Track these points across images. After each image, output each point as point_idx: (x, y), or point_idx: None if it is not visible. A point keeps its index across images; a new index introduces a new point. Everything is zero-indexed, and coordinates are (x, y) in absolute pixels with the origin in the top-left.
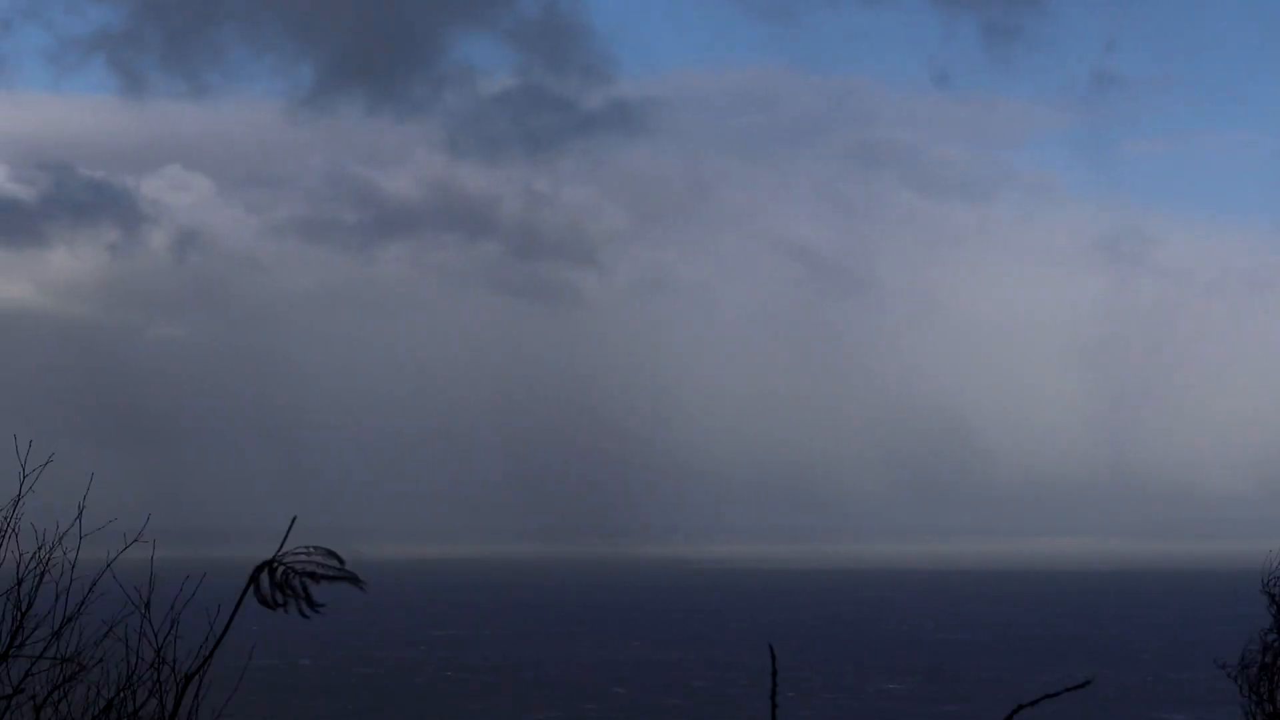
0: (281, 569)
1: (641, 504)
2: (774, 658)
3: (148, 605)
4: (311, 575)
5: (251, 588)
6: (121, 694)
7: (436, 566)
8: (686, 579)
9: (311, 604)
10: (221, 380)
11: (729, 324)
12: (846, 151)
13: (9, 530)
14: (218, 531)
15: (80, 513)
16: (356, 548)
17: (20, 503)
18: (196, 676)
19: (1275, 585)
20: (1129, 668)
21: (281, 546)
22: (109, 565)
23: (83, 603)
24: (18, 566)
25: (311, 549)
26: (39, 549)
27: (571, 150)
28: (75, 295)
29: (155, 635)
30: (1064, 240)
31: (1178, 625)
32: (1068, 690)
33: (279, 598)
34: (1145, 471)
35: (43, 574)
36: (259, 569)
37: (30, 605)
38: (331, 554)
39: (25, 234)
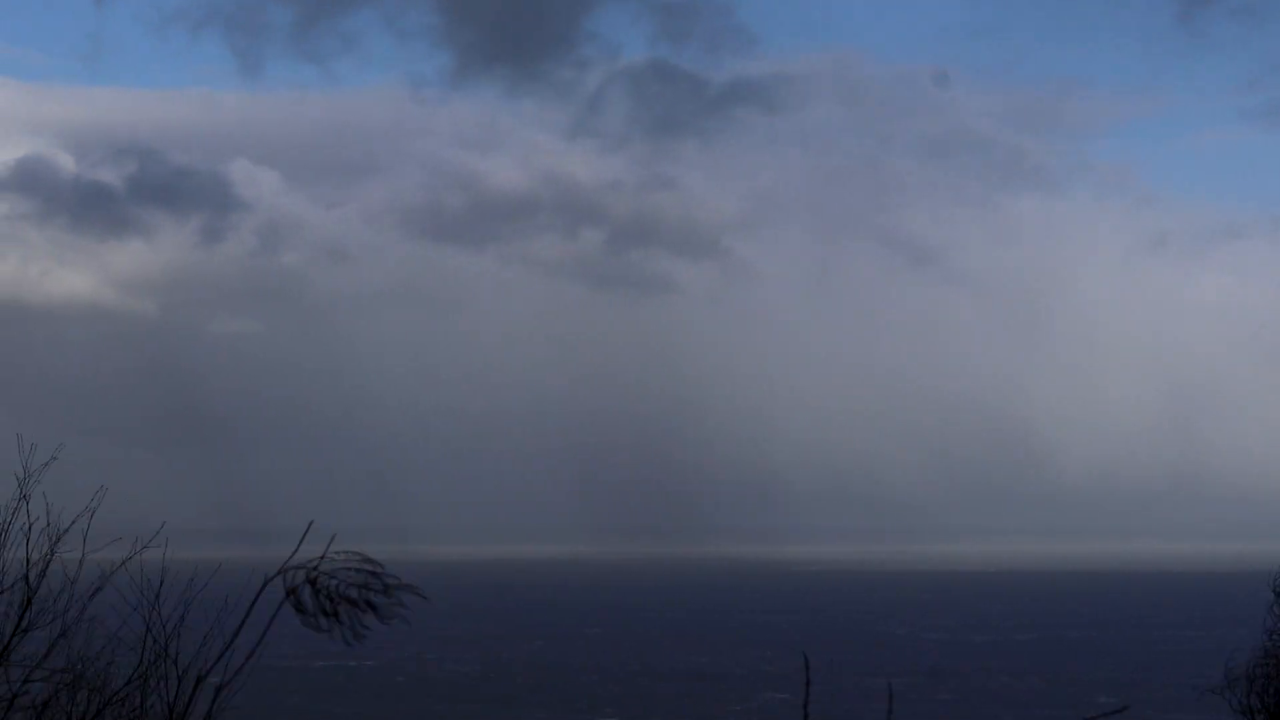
0: (327, 580)
1: (726, 505)
2: (807, 666)
3: (156, 595)
4: (365, 603)
5: (289, 601)
6: (121, 694)
7: (529, 566)
8: (790, 580)
9: (381, 617)
10: (294, 376)
11: (818, 320)
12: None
13: (4, 532)
14: (284, 531)
15: (91, 514)
16: (425, 548)
17: (22, 504)
18: (206, 677)
19: None
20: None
21: (296, 550)
22: (123, 564)
23: (84, 607)
24: (26, 566)
25: (349, 554)
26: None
27: (694, 134)
28: (158, 287)
29: (164, 635)
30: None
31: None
32: (1104, 716)
33: (324, 623)
34: (1211, 474)
35: (43, 574)
36: (284, 574)
37: (27, 607)
38: (368, 560)
39: (110, 222)
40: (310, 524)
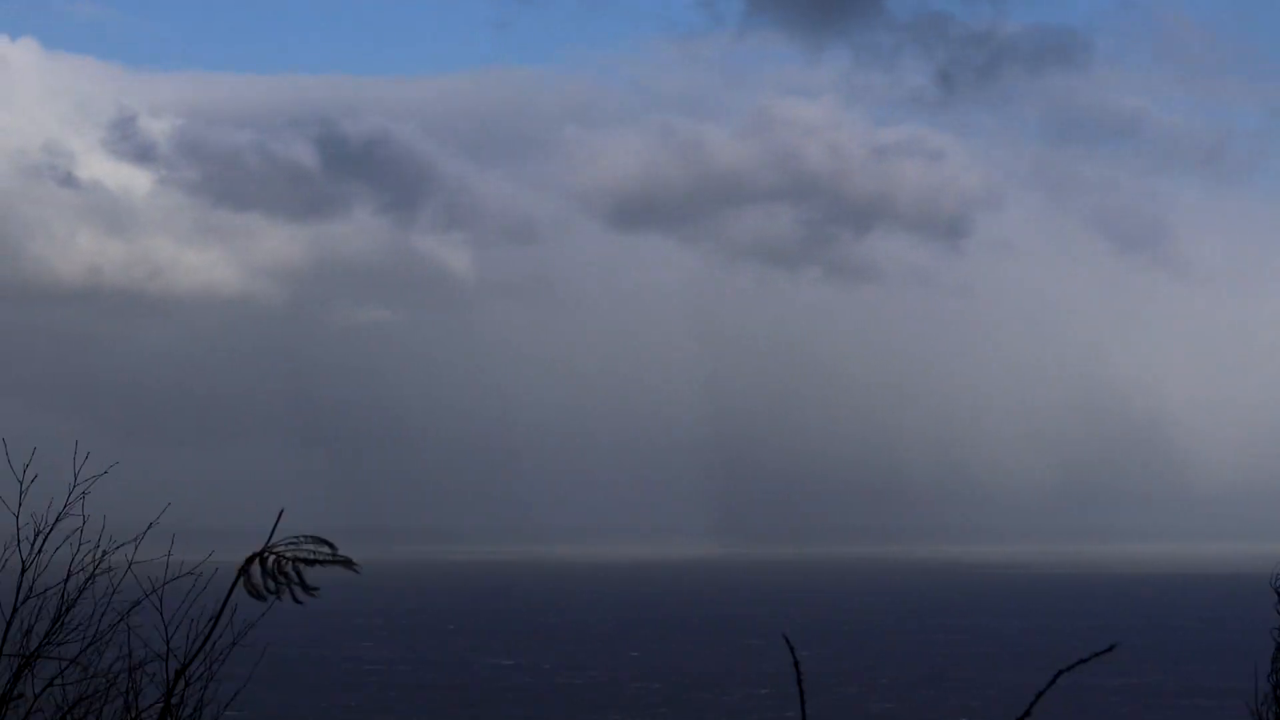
0: (272, 557)
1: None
2: (792, 649)
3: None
4: (304, 560)
5: (241, 579)
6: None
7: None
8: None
9: (306, 588)
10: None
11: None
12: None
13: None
14: (424, 531)
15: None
16: (556, 548)
17: (65, 512)
18: (186, 668)
19: None
20: None
21: (270, 538)
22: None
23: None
24: (68, 570)
25: (301, 538)
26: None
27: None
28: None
29: (166, 630)
30: None
31: None
32: (1096, 656)
33: (270, 585)
34: None
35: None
36: (248, 560)
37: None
38: (321, 541)
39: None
40: (281, 512)
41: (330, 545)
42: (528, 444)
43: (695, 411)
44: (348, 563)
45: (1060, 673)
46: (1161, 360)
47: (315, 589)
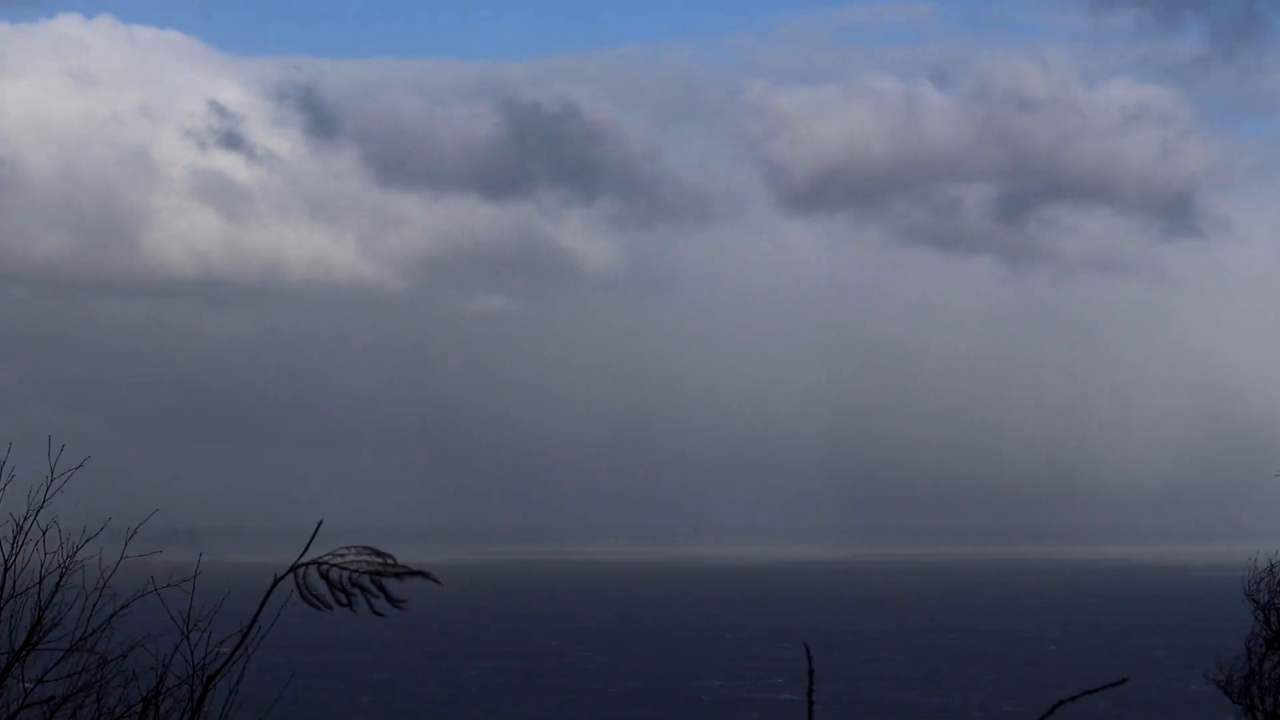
0: (339, 571)
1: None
2: (810, 658)
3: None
4: (384, 573)
5: (296, 589)
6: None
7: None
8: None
9: (391, 600)
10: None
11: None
12: None
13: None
14: (551, 531)
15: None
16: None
17: (44, 507)
18: (216, 678)
19: (1261, 592)
20: None
21: (307, 548)
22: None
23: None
24: (41, 567)
25: (355, 549)
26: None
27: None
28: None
29: (190, 641)
30: None
31: None
32: (1106, 687)
33: (341, 598)
34: None
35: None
36: (294, 570)
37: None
38: (377, 553)
39: None
40: (320, 523)
41: (390, 557)
42: (665, 442)
43: (822, 408)
44: (427, 575)
45: (1061, 702)
46: None
47: (403, 601)
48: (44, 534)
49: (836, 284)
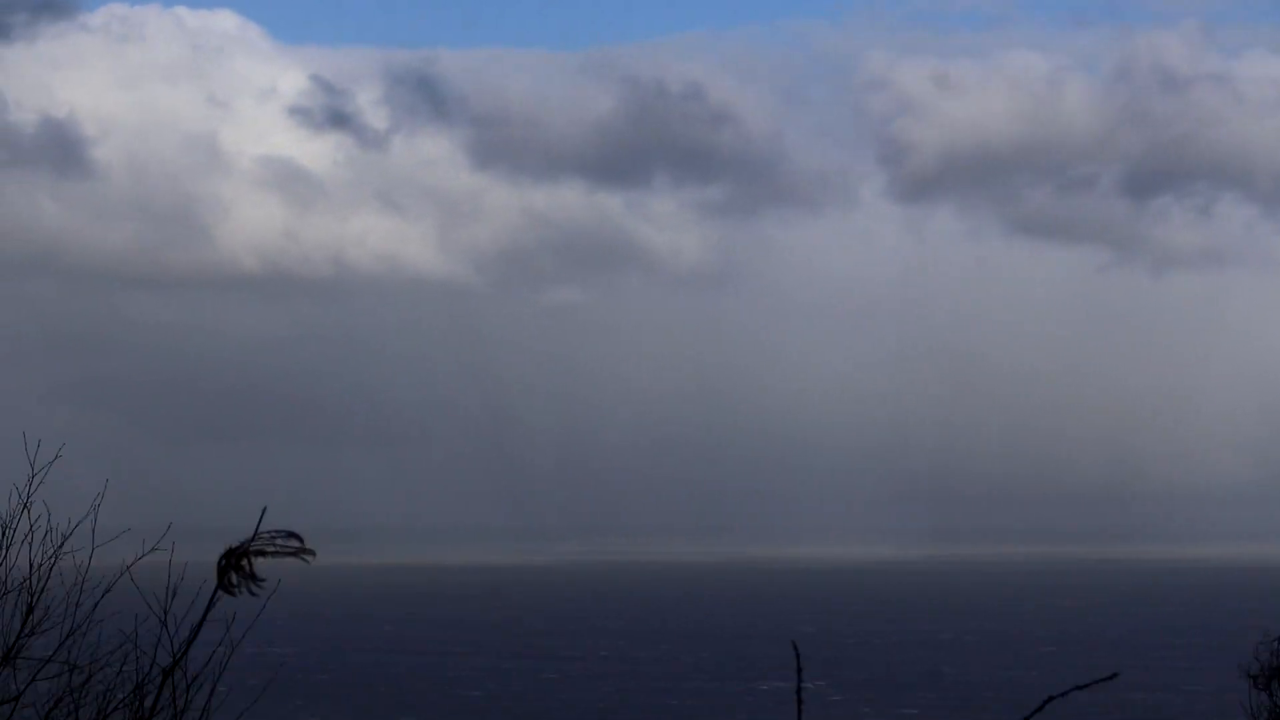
0: (246, 555)
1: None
2: (798, 655)
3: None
4: (259, 552)
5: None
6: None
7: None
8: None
9: (255, 580)
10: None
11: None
12: None
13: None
14: (613, 528)
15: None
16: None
17: (28, 505)
18: (172, 671)
19: None
20: None
21: (255, 536)
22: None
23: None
24: (30, 567)
25: (273, 533)
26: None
27: None
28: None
29: (172, 638)
30: None
31: None
32: (1097, 682)
33: (234, 579)
34: None
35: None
36: (223, 557)
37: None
38: (291, 535)
39: None
40: (264, 509)
41: (298, 538)
42: (733, 442)
43: (905, 415)
44: (301, 553)
45: (1050, 698)
46: None
47: (262, 580)
48: (41, 533)
49: (926, 278)
